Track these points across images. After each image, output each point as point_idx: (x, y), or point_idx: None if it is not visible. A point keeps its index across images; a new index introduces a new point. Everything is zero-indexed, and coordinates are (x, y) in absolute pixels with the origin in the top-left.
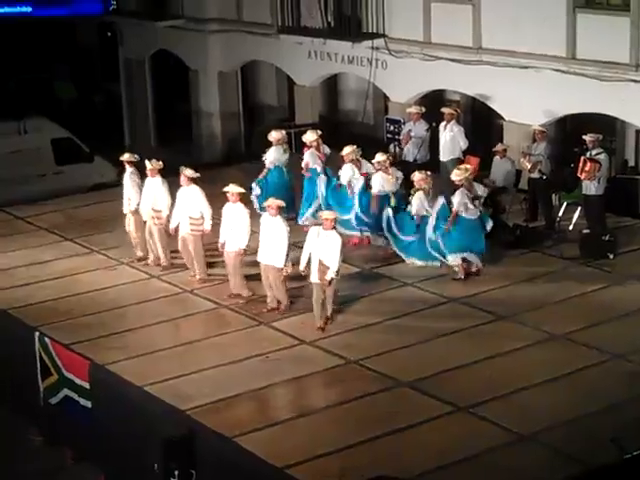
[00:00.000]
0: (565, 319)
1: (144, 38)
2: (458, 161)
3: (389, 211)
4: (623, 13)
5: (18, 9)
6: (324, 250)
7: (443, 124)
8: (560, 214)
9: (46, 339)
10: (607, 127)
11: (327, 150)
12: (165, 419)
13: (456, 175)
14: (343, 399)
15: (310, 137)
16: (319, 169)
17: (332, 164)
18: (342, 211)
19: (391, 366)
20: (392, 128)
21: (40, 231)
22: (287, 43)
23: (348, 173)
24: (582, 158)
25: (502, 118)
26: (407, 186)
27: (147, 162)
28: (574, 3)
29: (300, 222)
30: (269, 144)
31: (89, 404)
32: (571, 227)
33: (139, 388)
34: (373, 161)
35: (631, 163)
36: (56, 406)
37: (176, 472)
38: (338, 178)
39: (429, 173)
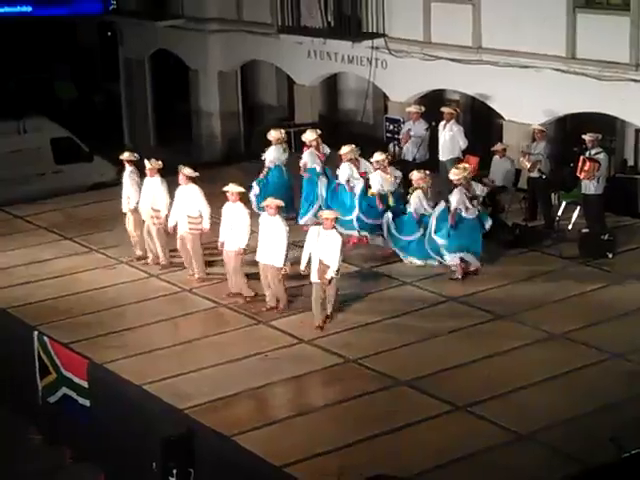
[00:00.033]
0: (564, 318)
1: (144, 38)
2: (457, 160)
3: (389, 215)
4: (623, 13)
5: (18, 9)
6: (324, 249)
7: (442, 123)
8: (559, 213)
9: (45, 338)
10: (607, 127)
11: (327, 150)
12: (164, 418)
13: (454, 174)
14: (342, 398)
15: (309, 136)
16: (318, 169)
17: (331, 164)
18: (342, 212)
19: (390, 365)
20: (392, 127)
21: (39, 230)
22: (287, 43)
23: (346, 172)
24: (581, 157)
25: (502, 117)
26: (406, 185)
27: (146, 162)
28: (574, 3)
29: (301, 222)
30: (269, 143)
31: (88, 403)
32: (570, 226)
33: (138, 387)
34: (371, 160)
35: (630, 162)
36: (55, 405)
37: (175, 471)
38: (337, 178)
39: (428, 172)
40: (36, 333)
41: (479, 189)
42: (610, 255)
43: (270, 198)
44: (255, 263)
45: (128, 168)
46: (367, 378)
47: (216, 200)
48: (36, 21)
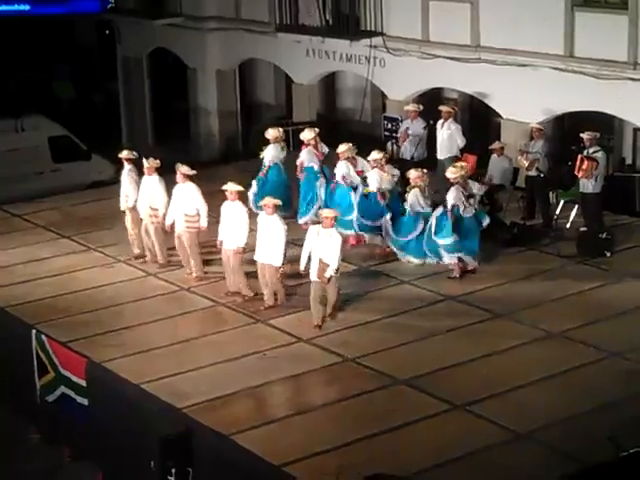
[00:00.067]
0: (562, 317)
1: (142, 36)
2: (456, 159)
3: (387, 217)
4: (621, 11)
5: (16, 7)
6: (324, 248)
7: (441, 122)
8: (557, 212)
9: (43, 337)
10: (605, 125)
11: (325, 149)
12: (162, 417)
13: (451, 173)
14: (340, 397)
15: (307, 135)
16: (316, 167)
17: (329, 163)
18: (340, 212)
19: (388, 364)
20: (390, 126)
21: (38, 229)
22: (285, 41)
23: (343, 170)
24: (579, 156)
25: (500, 116)
26: (403, 184)
27: (144, 160)
28: (572, 1)
29: (300, 222)
30: (267, 142)
31: (86, 402)
32: (568, 225)
33: (136, 386)
34: (368, 158)
35: (628, 161)
36: (53, 404)
37: (173, 470)
38: (334, 177)
39: (425, 171)
40: (34, 332)
41: (476, 188)
42: (608, 254)
43: (268, 197)
44: (253, 261)
45: (127, 166)
46: (365, 377)
47: (214, 199)
48: (35, 20)
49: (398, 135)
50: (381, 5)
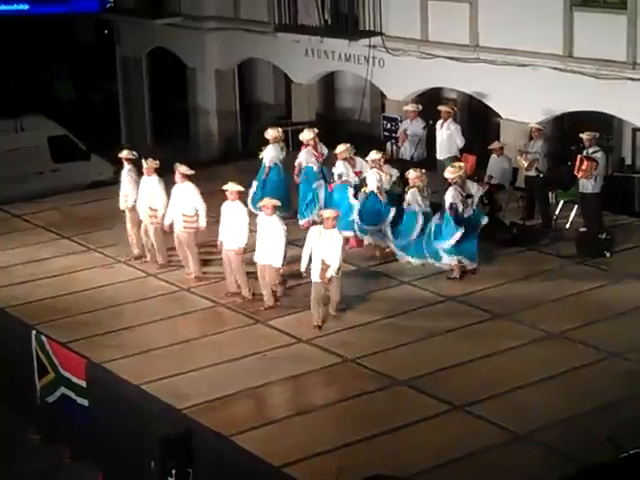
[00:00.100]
0: (562, 317)
1: (141, 36)
2: (455, 159)
3: (387, 221)
4: (620, 11)
5: (15, 7)
6: (326, 249)
7: (440, 122)
8: (557, 212)
9: (42, 337)
10: (604, 125)
11: (324, 150)
12: (162, 418)
13: (450, 173)
14: (340, 397)
15: (307, 136)
16: (315, 168)
17: (328, 163)
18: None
19: (388, 364)
20: (389, 126)
21: (37, 229)
22: (284, 41)
23: (340, 170)
24: (579, 156)
25: (499, 116)
26: (403, 184)
27: (143, 161)
28: (571, 1)
29: (301, 223)
30: (266, 142)
31: (86, 403)
32: (568, 225)
33: (136, 387)
34: (367, 158)
35: (628, 161)
36: (53, 405)
37: (173, 471)
38: (333, 177)
39: (424, 171)
40: (34, 332)
41: (474, 188)
42: (608, 254)
43: (267, 198)
44: (253, 262)
45: (127, 166)
46: (365, 378)
47: (214, 199)
48: (35, 20)
49: (397, 135)
50: (380, 5)
